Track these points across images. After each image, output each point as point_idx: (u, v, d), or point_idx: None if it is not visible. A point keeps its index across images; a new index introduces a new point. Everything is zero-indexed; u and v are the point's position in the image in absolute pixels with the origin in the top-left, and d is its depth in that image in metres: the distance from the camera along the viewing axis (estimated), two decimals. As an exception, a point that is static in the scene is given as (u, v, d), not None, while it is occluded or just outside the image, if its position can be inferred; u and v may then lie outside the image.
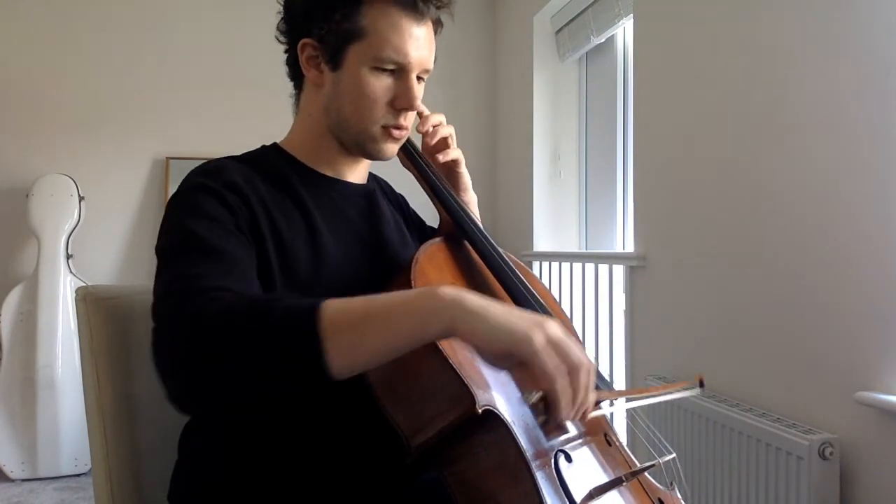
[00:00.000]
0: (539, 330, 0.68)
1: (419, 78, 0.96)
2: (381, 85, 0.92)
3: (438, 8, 0.95)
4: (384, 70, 0.92)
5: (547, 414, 0.72)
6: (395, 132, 0.96)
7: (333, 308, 0.68)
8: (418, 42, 0.92)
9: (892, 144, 1.36)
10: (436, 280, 0.91)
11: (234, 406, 0.81)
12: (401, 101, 0.93)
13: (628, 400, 1.01)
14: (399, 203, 1.18)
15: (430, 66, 0.96)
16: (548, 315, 0.96)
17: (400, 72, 0.93)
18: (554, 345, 0.69)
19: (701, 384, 1.01)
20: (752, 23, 1.76)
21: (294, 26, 0.96)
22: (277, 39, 0.99)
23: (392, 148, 0.98)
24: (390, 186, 1.18)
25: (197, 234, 0.81)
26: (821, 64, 1.54)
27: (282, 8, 0.98)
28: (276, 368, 0.68)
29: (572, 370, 0.69)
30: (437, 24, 0.98)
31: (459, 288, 0.71)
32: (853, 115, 1.45)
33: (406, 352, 0.70)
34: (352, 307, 0.69)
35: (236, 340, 0.68)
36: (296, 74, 1.00)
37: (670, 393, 1.01)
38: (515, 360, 0.68)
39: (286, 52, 0.99)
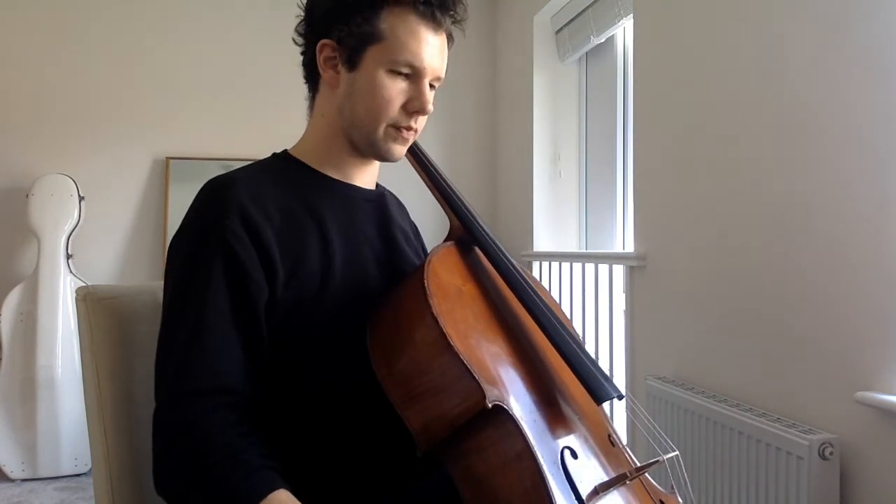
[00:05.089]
0: None
1: (431, 86, 0.98)
2: (395, 87, 0.94)
3: (454, 22, 0.99)
4: (399, 73, 0.94)
5: None
6: (405, 133, 0.97)
7: None
8: (433, 49, 0.96)
9: (893, 144, 1.37)
10: (447, 282, 0.92)
11: None
12: (413, 105, 0.96)
13: None
14: (404, 211, 1.19)
15: (443, 75, 0.99)
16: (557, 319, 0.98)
17: (414, 76, 0.95)
18: None
19: None
20: (752, 22, 1.76)
21: (314, 28, 0.98)
22: (294, 41, 1.01)
23: (400, 149, 1.00)
24: (394, 196, 1.19)
25: (204, 323, 0.84)
26: (821, 63, 1.54)
27: (302, 11, 1.00)
28: None
29: None
30: (450, 39, 1.01)
31: None
32: (854, 114, 1.45)
33: None
34: None
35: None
36: (312, 76, 1.02)
37: None
38: None
39: (303, 53, 1.01)
